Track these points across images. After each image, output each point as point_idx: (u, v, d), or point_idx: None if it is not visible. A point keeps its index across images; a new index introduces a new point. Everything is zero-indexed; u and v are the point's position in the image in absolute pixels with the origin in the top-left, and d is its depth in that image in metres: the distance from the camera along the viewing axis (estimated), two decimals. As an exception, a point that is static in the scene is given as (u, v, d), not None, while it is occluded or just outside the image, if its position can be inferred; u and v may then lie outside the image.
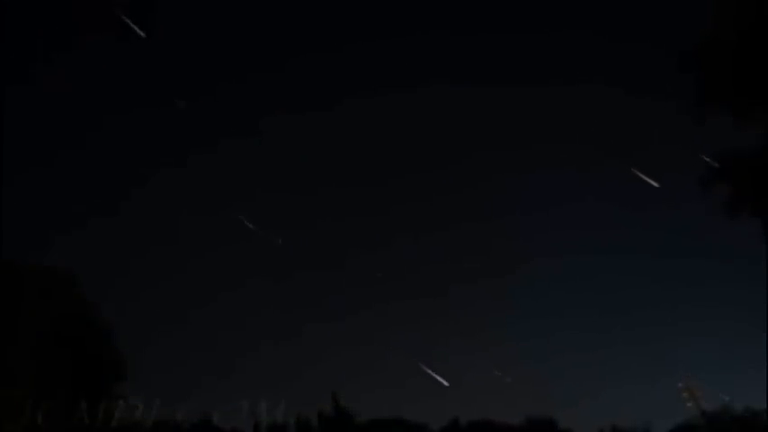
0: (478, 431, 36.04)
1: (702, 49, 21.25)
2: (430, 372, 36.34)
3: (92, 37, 37.88)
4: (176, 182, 40.52)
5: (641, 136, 35.31)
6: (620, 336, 39.55)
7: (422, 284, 40.16)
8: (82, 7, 36.96)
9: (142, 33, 35.94)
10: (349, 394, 35.43)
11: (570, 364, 38.88)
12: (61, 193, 39.42)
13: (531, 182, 40.68)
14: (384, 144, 41.37)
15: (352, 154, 41.06)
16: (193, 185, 40.67)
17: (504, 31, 39.36)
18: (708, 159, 21.26)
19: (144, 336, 34.56)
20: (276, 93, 40.94)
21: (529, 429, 36.16)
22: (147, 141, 41.04)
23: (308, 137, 40.18)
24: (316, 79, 40.95)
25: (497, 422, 36.07)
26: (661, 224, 40.30)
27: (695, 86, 21.16)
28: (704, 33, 21.22)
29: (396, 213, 41.83)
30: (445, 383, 36.20)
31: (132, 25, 35.84)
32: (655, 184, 34.63)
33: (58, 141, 40.17)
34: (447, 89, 39.75)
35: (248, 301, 39.59)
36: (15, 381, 27.42)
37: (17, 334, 27.98)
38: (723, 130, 21.79)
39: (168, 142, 40.78)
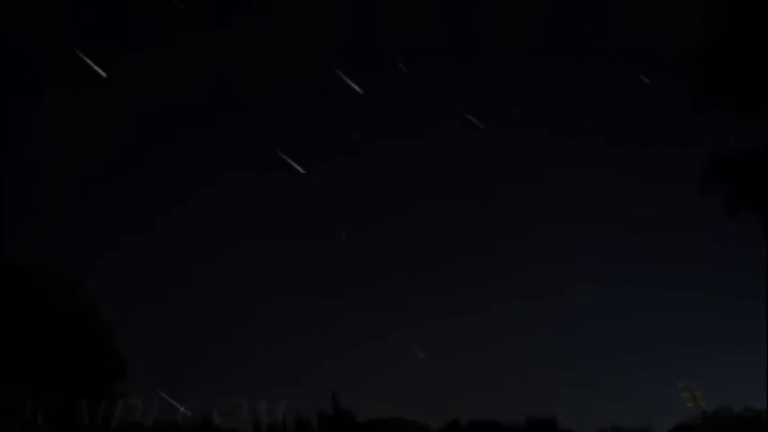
0: (478, 431, 36.11)
1: (703, 48, 21.32)
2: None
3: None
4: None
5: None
6: (620, 335, 39.65)
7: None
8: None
9: (302, 170, 36.74)
10: (348, 394, 35.59)
11: (569, 364, 38.97)
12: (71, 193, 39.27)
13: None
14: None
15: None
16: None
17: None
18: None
19: (144, 335, 34.63)
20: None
21: (529, 429, 36.21)
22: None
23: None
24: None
25: (497, 422, 36.13)
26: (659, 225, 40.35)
27: (695, 86, 21.30)
28: (704, 33, 21.33)
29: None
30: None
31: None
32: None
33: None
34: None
35: (249, 301, 39.66)
36: (15, 381, 27.45)
37: (17, 334, 28.03)
38: (723, 130, 21.91)
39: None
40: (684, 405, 33.70)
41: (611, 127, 38.96)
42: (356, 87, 36.68)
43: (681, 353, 37.23)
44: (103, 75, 34.96)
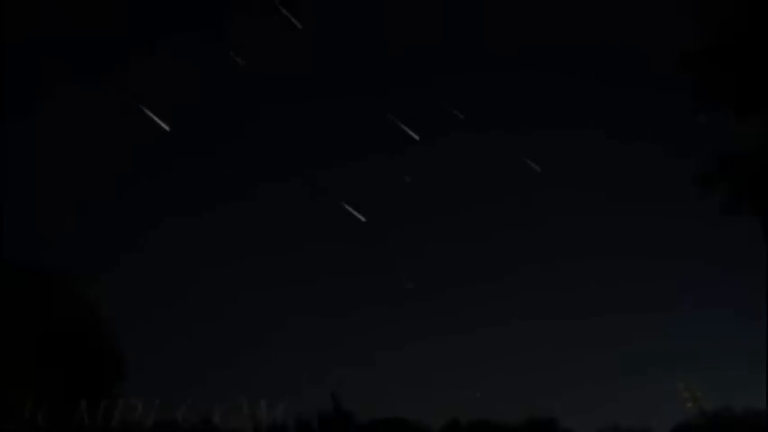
0: (478, 431, 36.10)
1: (702, 49, 21.32)
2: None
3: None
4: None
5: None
6: (620, 336, 39.68)
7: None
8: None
9: (362, 219, 37.44)
10: (349, 394, 35.59)
11: (569, 364, 39.01)
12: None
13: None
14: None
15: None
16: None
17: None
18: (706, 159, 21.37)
19: (144, 335, 34.69)
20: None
21: (529, 429, 36.21)
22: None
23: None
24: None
25: (497, 422, 36.13)
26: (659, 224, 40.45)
27: (694, 87, 21.30)
28: (702, 34, 21.33)
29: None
30: None
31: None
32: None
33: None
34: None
35: (247, 301, 39.73)
36: (15, 381, 27.48)
37: (17, 334, 28.05)
38: (723, 130, 21.90)
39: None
40: (684, 405, 33.76)
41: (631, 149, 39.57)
42: (412, 134, 37.08)
43: (681, 353, 37.32)
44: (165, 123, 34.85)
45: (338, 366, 37.17)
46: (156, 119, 35.03)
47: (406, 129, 37.71)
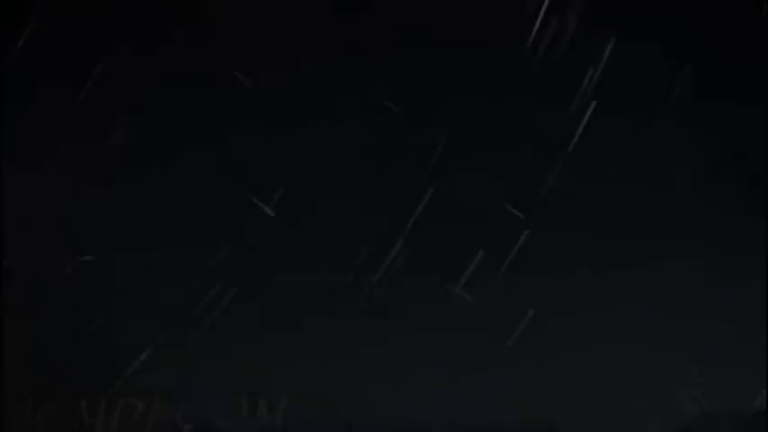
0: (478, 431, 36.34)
1: (701, 44, 21.55)
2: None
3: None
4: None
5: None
6: (620, 335, 39.87)
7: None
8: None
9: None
10: (349, 394, 35.77)
11: (570, 365, 39.17)
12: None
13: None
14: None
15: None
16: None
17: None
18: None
19: (144, 335, 34.93)
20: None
21: (528, 430, 36.45)
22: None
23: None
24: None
25: (496, 423, 36.34)
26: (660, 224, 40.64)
27: (696, 82, 21.52)
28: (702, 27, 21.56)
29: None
30: None
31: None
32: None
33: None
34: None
35: (246, 299, 39.91)
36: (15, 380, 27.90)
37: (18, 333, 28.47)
38: (725, 128, 22.13)
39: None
40: (684, 405, 33.92)
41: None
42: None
43: (681, 352, 37.48)
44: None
45: (339, 366, 37.56)
46: (263, 206, 34.73)
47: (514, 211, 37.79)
